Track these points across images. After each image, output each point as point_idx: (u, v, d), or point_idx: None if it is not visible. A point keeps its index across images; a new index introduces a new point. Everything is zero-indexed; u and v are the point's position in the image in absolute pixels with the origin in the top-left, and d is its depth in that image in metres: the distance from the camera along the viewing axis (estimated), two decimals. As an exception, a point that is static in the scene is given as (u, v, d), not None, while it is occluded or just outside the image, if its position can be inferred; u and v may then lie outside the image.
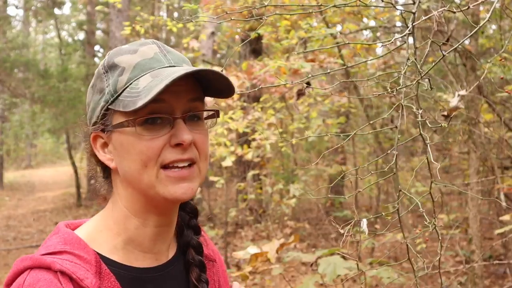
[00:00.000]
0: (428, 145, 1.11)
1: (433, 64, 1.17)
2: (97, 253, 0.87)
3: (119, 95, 0.86)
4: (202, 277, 0.98)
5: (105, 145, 0.91)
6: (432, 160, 1.11)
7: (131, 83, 0.86)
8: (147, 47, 0.90)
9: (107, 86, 0.88)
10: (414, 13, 1.12)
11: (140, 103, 0.82)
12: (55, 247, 0.86)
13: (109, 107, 0.87)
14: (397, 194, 1.21)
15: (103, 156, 0.91)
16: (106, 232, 0.91)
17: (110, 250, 0.90)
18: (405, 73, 1.14)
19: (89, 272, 0.84)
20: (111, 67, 0.89)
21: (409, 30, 1.11)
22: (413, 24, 1.12)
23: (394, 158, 1.16)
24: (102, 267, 0.86)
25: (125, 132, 0.86)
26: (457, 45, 1.23)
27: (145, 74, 0.86)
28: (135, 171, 0.87)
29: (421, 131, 1.12)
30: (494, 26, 5.60)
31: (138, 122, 0.85)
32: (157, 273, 0.93)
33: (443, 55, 1.07)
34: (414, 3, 1.14)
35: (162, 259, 0.95)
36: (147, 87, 0.83)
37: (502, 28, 4.19)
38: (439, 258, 1.19)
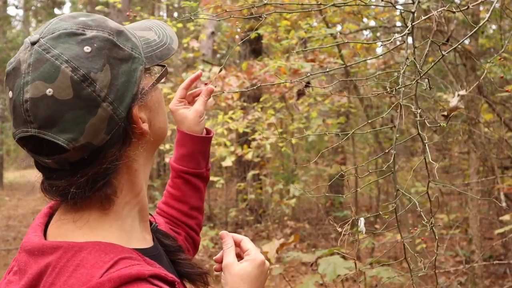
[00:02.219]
0: (427, 145, 1.11)
1: (433, 63, 1.17)
2: (133, 249, 0.79)
3: (144, 54, 0.82)
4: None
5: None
6: (431, 160, 1.11)
7: (140, 41, 0.83)
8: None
9: (132, 50, 0.79)
10: (413, 13, 1.12)
11: (174, 45, 0.85)
12: (104, 260, 0.72)
13: (145, 68, 0.81)
14: (395, 193, 1.21)
15: (145, 126, 0.81)
16: (117, 223, 0.81)
17: (128, 241, 0.81)
18: (404, 72, 1.14)
19: (157, 268, 0.77)
20: (118, 34, 0.79)
21: (408, 30, 1.11)
22: (413, 24, 1.12)
23: (393, 158, 1.16)
24: (146, 259, 0.79)
25: (156, 87, 0.84)
26: (457, 44, 1.23)
27: (137, 31, 0.86)
28: (166, 122, 0.88)
29: (420, 131, 1.12)
30: (494, 26, 5.60)
31: (166, 72, 0.86)
32: (159, 246, 0.92)
33: (443, 55, 1.07)
34: (413, 3, 1.14)
35: (150, 232, 0.92)
36: (162, 36, 0.85)
37: (502, 28, 4.19)
38: (435, 258, 1.19)
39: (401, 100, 1.12)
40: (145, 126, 0.80)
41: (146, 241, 0.87)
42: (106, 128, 0.75)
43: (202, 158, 1.21)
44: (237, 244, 1.00)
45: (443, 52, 1.06)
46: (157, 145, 0.88)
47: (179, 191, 1.20)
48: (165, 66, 0.86)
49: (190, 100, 1.22)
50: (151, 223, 0.94)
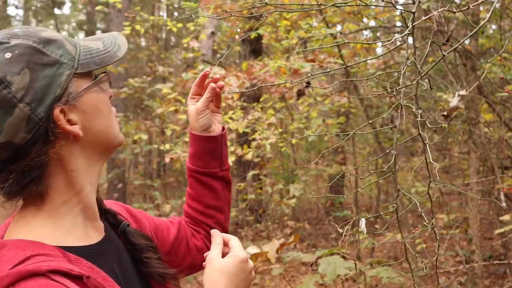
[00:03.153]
0: (427, 145, 1.11)
1: (433, 64, 1.17)
2: (56, 246, 0.83)
3: (79, 60, 0.87)
4: (125, 224, 1.01)
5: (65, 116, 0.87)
6: (431, 160, 1.11)
7: (80, 49, 0.88)
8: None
9: (60, 57, 0.84)
10: (414, 13, 1.12)
11: (120, 53, 0.90)
12: (18, 257, 0.76)
13: (76, 73, 0.86)
14: (395, 193, 1.21)
15: (72, 128, 0.85)
16: (53, 221, 0.86)
17: (63, 238, 0.85)
18: (404, 73, 1.14)
19: (68, 263, 0.80)
20: (46, 42, 0.84)
21: (408, 30, 1.11)
22: (413, 24, 1.12)
23: (393, 158, 1.16)
24: (70, 255, 0.82)
25: (93, 91, 0.88)
26: (457, 45, 1.23)
27: (84, 41, 0.92)
28: (109, 126, 0.91)
29: (420, 131, 1.12)
30: (494, 26, 5.60)
31: (105, 78, 0.91)
32: (106, 244, 0.93)
33: (443, 55, 1.07)
34: (414, 3, 1.14)
35: (101, 230, 0.95)
36: (108, 45, 0.91)
37: (502, 28, 4.19)
38: (436, 258, 1.19)
39: (401, 100, 1.12)
40: (74, 128, 0.85)
41: (89, 238, 0.90)
42: (26, 127, 0.80)
43: (210, 157, 1.21)
44: (225, 243, 1.03)
45: (444, 53, 1.06)
46: (100, 148, 0.91)
47: (193, 190, 1.23)
48: (106, 72, 0.93)
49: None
50: (119, 224, 0.99)
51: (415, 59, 1.12)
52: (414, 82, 1.13)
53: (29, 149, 0.82)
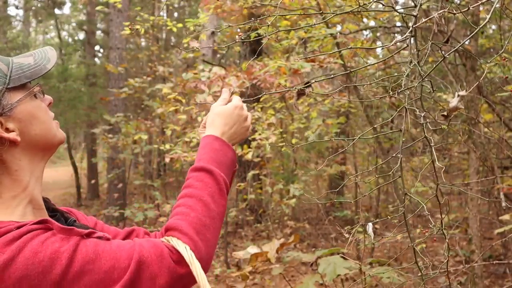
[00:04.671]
0: (433, 147, 1.11)
1: (434, 65, 1.17)
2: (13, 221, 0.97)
3: (10, 76, 1.00)
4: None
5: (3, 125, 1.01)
6: (437, 161, 1.11)
7: (13, 66, 1.02)
8: None
9: None
10: (415, 16, 1.12)
11: (49, 65, 1.05)
12: None
13: (8, 87, 0.99)
14: (403, 197, 1.21)
15: (9, 135, 0.98)
16: (5, 211, 0.99)
17: (22, 218, 0.99)
18: (407, 75, 1.14)
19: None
20: None
21: (411, 33, 1.11)
22: (415, 26, 1.12)
23: (399, 162, 1.16)
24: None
25: (26, 101, 1.02)
26: (458, 46, 1.23)
27: (17, 58, 1.04)
28: (46, 129, 1.04)
29: (426, 134, 1.12)
30: (494, 26, 5.60)
31: (37, 88, 1.04)
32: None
33: (444, 57, 1.07)
34: (415, 6, 1.14)
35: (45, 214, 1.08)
36: (39, 59, 1.05)
37: (502, 28, 4.19)
38: (447, 261, 1.19)
39: (405, 103, 1.12)
40: (11, 134, 0.98)
41: None
42: None
43: (228, 171, 1.24)
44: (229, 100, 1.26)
45: (444, 54, 1.06)
46: (40, 148, 1.05)
47: None
48: (39, 83, 1.07)
49: None
50: (68, 218, 1.13)
51: (418, 62, 1.12)
52: (417, 83, 1.13)
53: None
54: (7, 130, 0.99)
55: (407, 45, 1.16)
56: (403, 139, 1.20)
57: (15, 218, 0.98)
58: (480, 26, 1.06)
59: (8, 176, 1.00)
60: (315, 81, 1.31)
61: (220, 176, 1.11)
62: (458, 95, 1.47)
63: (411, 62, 1.13)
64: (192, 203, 1.05)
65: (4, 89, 0.98)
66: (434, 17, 1.03)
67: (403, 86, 1.14)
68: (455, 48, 1.16)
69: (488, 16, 1.09)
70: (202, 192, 1.07)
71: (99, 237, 0.96)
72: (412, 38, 1.14)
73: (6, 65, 1.01)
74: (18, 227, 0.91)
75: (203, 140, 1.19)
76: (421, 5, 1.12)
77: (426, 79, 1.11)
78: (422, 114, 1.10)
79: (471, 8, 1.02)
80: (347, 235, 1.18)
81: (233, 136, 1.20)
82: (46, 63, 1.06)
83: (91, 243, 0.93)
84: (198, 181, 1.09)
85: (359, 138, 1.30)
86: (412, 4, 1.20)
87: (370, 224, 1.23)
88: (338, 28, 4.93)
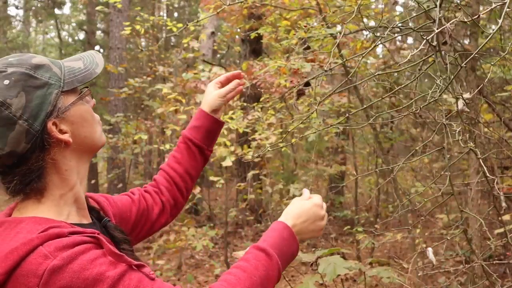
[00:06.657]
0: (479, 159, 1.10)
1: (448, 73, 1.17)
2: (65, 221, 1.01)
3: (64, 80, 1.04)
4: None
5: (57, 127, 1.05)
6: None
7: (65, 69, 1.06)
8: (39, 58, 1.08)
9: (49, 79, 1.02)
10: (436, 34, 1.12)
11: (98, 70, 1.09)
12: (38, 228, 0.93)
13: (62, 91, 1.03)
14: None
15: (63, 136, 1.03)
16: (55, 209, 1.03)
17: (67, 218, 1.04)
18: (440, 88, 1.14)
19: (80, 228, 0.99)
20: (36, 68, 1.02)
21: (434, 48, 1.10)
22: (438, 46, 1.11)
23: (448, 179, 1.16)
24: (76, 227, 1.00)
25: (78, 104, 1.07)
26: (473, 53, 1.22)
27: (67, 62, 1.09)
28: (94, 132, 1.10)
29: (472, 148, 1.12)
30: (494, 26, 5.60)
31: (87, 92, 1.09)
32: (95, 226, 1.13)
33: (446, 64, 1.07)
34: (434, 22, 1.14)
35: (89, 217, 1.13)
36: (88, 63, 1.09)
37: (502, 28, 4.19)
38: (470, 264, 1.19)
39: (443, 120, 1.12)
40: (65, 136, 1.03)
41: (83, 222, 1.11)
42: (25, 139, 0.99)
43: (208, 135, 1.49)
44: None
45: (446, 55, 1.06)
46: (87, 151, 1.11)
47: (180, 154, 1.49)
48: (87, 87, 1.11)
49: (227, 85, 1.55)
50: (102, 218, 1.18)
51: (448, 76, 1.12)
52: (445, 88, 1.13)
53: (29, 156, 1.00)
54: (61, 131, 1.03)
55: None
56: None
57: (63, 218, 1.02)
58: (493, 32, 1.06)
59: (58, 175, 1.04)
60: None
61: (277, 264, 1.14)
62: (463, 98, 1.47)
63: (440, 76, 1.13)
64: (242, 276, 1.08)
65: (59, 92, 1.03)
66: (446, 27, 1.03)
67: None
68: (458, 52, 1.16)
69: (500, 21, 1.08)
70: (256, 272, 1.10)
71: (146, 274, 0.98)
72: (437, 53, 1.14)
73: (59, 68, 1.05)
74: (71, 233, 0.94)
75: (276, 223, 1.22)
76: (440, 19, 1.12)
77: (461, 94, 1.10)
78: (458, 129, 1.11)
79: (481, 16, 1.02)
80: (362, 245, 1.18)
81: (304, 230, 1.22)
82: (95, 68, 1.10)
83: (135, 277, 0.95)
84: (256, 260, 1.12)
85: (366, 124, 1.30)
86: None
87: (430, 249, 1.23)
88: (338, 28, 4.93)
